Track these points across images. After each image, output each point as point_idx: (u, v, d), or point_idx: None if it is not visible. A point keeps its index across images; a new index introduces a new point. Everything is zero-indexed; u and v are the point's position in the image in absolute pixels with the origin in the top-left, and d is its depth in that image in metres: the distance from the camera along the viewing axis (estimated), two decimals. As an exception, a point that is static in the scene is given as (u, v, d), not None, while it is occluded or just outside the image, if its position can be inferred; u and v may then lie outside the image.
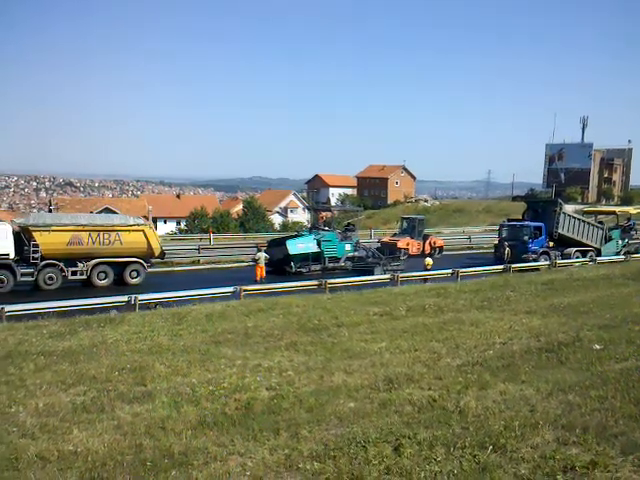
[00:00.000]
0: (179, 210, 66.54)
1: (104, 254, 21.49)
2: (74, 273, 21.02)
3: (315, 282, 20.92)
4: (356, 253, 28.73)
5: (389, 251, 31.35)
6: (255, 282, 22.77)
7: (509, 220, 34.42)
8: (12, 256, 19.94)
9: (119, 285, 21.47)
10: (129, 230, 22.06)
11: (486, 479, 4.61)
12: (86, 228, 21.13)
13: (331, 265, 27.53)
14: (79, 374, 8.51)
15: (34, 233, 20.15)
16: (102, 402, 7.29)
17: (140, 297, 15.92)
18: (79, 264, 21.06)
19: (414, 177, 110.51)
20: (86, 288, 20.87)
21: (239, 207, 69.74)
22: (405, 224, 36.49)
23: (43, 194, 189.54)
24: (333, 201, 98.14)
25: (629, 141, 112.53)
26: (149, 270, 22.90)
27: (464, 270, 24.60)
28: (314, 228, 29.49)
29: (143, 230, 22.43)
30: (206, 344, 10.65)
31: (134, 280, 22.13)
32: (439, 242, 35.35)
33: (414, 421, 6.16)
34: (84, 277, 21.21)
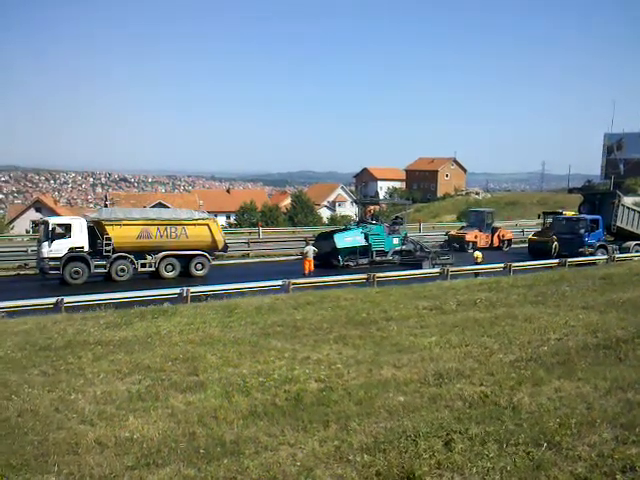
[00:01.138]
0: (229, 204, 67.67)
1: (171, 247, 22.33)
2: (143, 265, 21.90)
3: (363, 276, 20.83)
4: (404, 247, 28.49)
5: (458, 244, 31.94)
6: (304, 275, 22.91)
7: (544, 214, 33.83)
8: (87, 249, 21.02)
9: (185, 277, 22.11)
10: (195, 224, 22.92)
11: (541, 477, 4.49)
12: (155, 222, 22.11)
13: (379, 259, 27.40)
14: (134, 363, 8.79)
15: (107, 227, 21.19)
16: (156, 391, 7.51)
17: (192, 289, 16.31)
18: (148, 257, 21.96)
19: (465, 169, 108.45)
20: (154, 279, 21.69)
21: (288, 201, 70.18)
22: (473, 217, 36.36)
23: (99, 189, 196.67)
24: (381, 194, 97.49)
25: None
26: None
27: (517, 264, 24.00)
28: (361, 222, 29.38)
29: (208, 224, 23.26)
30: (256, 336, 10.80)
31: (199, 272, 22.86)
32: (508, 234, 34.99)
33: (465, 416, 6.06)
34: (152, 269, 22.09)
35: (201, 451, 5.52)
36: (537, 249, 29.42)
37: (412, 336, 10.75)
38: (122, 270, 21.32)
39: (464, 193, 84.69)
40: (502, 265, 23.56)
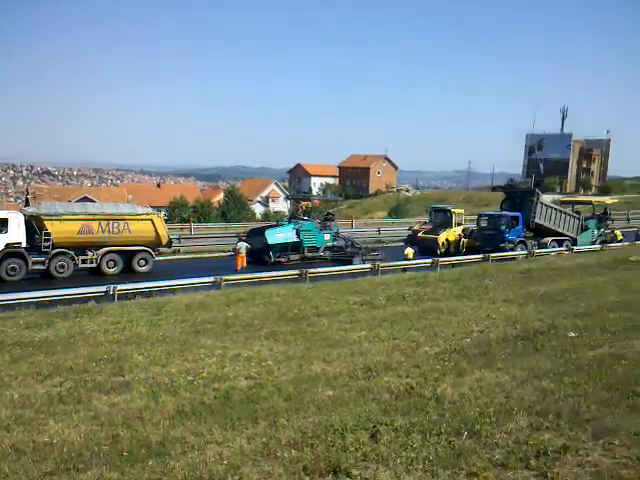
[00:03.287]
0: (159, 199, 65.73)
1: (113, 243, 21.65)
2: (84, 261, 21.17)
3: (296, 272, 20.91)
4: (335, 243, 28.82)
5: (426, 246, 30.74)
6: (236, 272, 22.70)
7: (434, 209, 34.36)
8: (24, 245, 20.01)
9: (128, 273, 21.50)
10: (138, 219, 22.45)
11: (461, 464, 4.68)
12: (96, 217, 21.44)
13: (310, 255, 27.59)
14: (55, 365, 8.42)
15: (46, 222, 20.36)
16: (79, 393, 7.22)
17: (119, 287, 15.77)
18: (89, 253, 21.25)
19: (396, 167, 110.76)
20: (95, 276, 20.84)
21: (220, 196, 69.27)
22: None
23: (20, 183, 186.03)
24: (315, 190, 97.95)
25: (607, 131, 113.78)
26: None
27: (444, 259, 24.81)
28: (293, 218, 29.46)
29: (151, 219, 22.87)
30: (185, 334, 10.60)
31: (142, 268, 22.39)
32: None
33: (391, 408, 6.22)
34: (94, 265, 21.35)
35: (125, 454, 5.36)
36: (424, 246, 29.60)
37: (342, 331, 10.90)
38: (62, 266, 20.54)
39: (395, 190, 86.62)
40: (430, 261, 24.28)
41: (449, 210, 32.91)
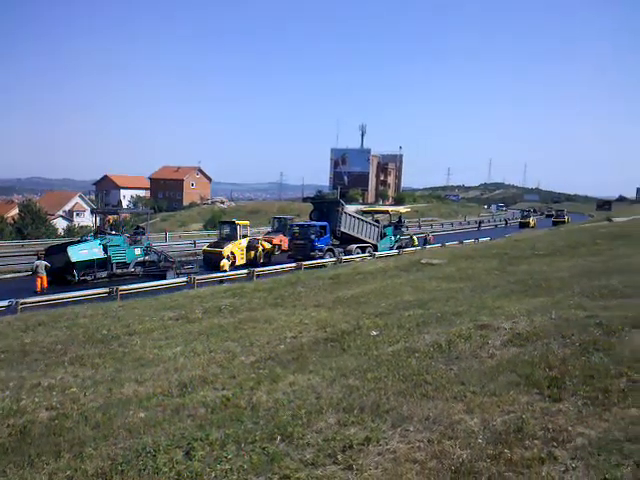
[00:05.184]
0: None
1: None
2: None
3: (105, 290, 19.74)
4: (147, 257, 27.74)
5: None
6: (36, 293, 20.74)
7: (221, 223, 36.65)
8: None
9: None
10: None
11: (274, 469, 4.82)
12: None
13: (120, 271, 26.18)
14: None
15: None
16: None
17: None
18: None
19: (210, 179, 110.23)
20: None
21: (15, 211, 62.35)
22: (277, 224, 39.93)
23: None
24: (125, 203, 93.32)
25: (400, 147, 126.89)
26: None
27: (260, 269, 25.33)
28: (100, 232, 27.68)
29: None
30: (-29, 368, 9.34)
31: None
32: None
33: (207, 423, 6.17)
34: None
35: None
36: (209, 260, 29.95)
37: (156, 349, 10.53)
38: None
39: (210, 202, 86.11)
40: (246, 271, 24.62)
41: (234, 222, 33.19)
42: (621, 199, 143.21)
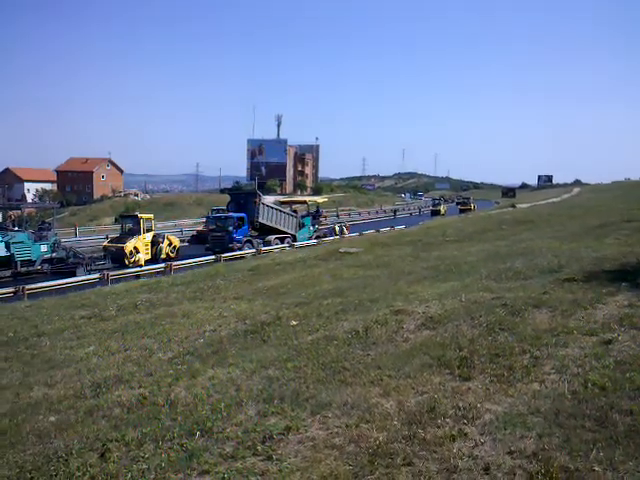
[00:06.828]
0: None
1: None
2: None
3: (10, 289, 18.65)
4: (55, 254, 26.37)
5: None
6: None
7: (122, 217, 34.42)
8: None
9: None
10: None
11: (193, 465, 4.76)
12: None
13: (24, 269, 24.74)
14: None
15: None
16: None
17: None
18: None
19: (122, 170, 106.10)
20: None
21: None
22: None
23: None
24: (29, 197, 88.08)
25: (316, 138, 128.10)
26: None
27: (177, 263, 24.77)
28: (1, 229, 25.98)
29: None
30: None
31: None
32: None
33: (123, 423, 5.99)
34: None
35: None
36: (111, 255, 28.74)
37: (68, 349, 10.11)
38: None
39: (122, 195, 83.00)
40: (163, 266, 24.00)
41: (137, 216, 31.69)
42: (524, 186, 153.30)
